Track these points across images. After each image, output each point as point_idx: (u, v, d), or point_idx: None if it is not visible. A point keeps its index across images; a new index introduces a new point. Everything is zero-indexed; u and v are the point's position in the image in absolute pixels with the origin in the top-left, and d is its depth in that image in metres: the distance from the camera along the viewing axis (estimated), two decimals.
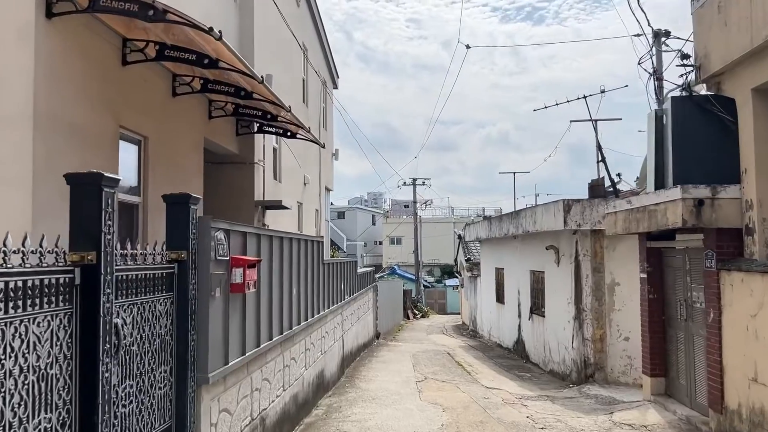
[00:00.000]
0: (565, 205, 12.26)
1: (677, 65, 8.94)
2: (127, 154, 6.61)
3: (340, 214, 56.88)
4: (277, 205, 10.53)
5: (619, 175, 10.47)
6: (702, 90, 8.40)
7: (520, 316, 16.99)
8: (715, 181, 7.46)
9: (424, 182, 43.25)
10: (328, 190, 18.37)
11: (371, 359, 15.08)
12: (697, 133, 7.93)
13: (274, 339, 6.83)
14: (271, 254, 6.73)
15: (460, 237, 29.07)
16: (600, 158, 14.23)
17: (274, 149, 12.21)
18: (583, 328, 12.53)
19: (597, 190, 12.67)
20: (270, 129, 9.95)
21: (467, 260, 26.07)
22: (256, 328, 6.18)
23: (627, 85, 74.03)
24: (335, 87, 19.44)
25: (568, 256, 13.11)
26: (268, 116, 8.80)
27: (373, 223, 60.29)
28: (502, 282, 19.46)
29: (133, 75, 6.41)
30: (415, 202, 43.10)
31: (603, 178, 13.34)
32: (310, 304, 8.89)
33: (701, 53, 8.28)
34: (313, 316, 9.06)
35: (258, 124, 9.90)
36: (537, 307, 15.58)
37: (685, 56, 8.87)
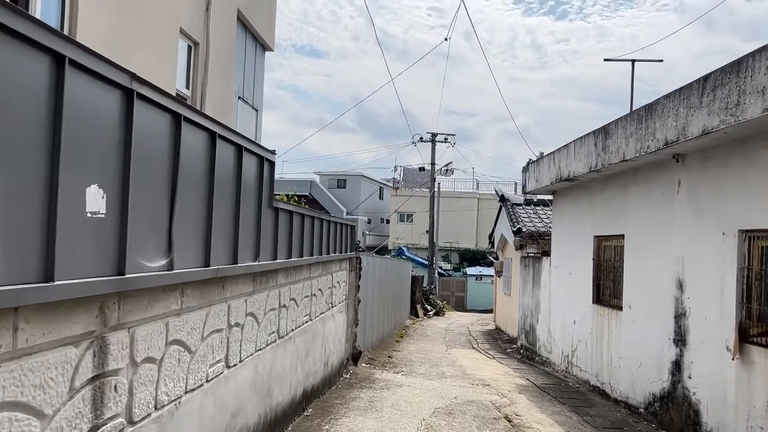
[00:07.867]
0: None
1: None
2: None
3: (341, 183, 47.06)
4: None
5: None
6: None
7: (682, 341, 7.22)
8: None
9: (446, 139, 33.31)
10: (255, 39, 8.47)
11: None
12: None
13: None
14: None
15: (502, 198, 19.17)
16: None
17: None
18: None
19: None
20: None
21: (517, 231, 16.18)
22: None
23: None
24: None
25: None
26: None
27: (380, 197, 50.37)
28: (614, 265, 9.67)
29: None
30: (433, 163, 33.16)
31: None
32: None
33: None
34: None
35: None
36: None
37: None
